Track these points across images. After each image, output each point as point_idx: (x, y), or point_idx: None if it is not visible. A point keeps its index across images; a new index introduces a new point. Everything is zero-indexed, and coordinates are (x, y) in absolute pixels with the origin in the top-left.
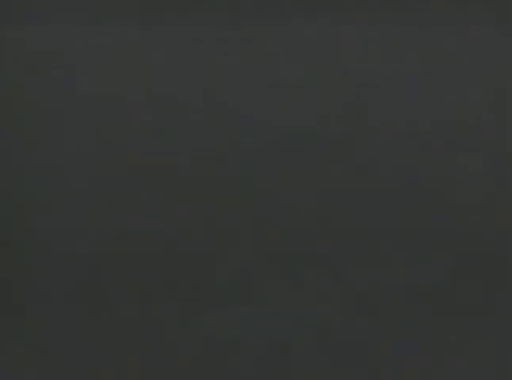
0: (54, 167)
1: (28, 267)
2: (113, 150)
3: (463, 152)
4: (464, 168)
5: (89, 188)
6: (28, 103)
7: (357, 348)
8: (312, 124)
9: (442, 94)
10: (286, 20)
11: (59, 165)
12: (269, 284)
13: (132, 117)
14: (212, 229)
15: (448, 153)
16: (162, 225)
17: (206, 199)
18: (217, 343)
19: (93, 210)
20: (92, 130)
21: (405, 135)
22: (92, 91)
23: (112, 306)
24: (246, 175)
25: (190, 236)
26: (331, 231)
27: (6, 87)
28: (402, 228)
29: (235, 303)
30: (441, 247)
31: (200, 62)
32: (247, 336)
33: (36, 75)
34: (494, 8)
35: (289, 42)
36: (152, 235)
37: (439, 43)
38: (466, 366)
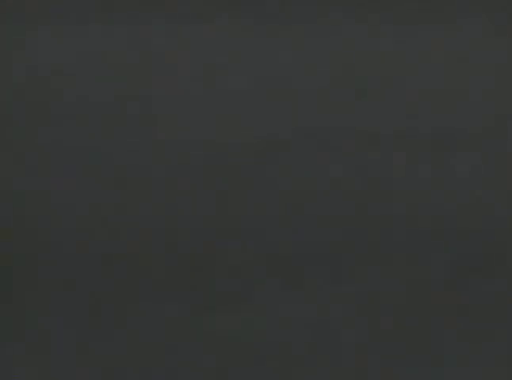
0: (55, 166)
1: (27, 266)
2: (115, 147)
3: (462, 152)
4: (464, 168)
5: (89, 188)
6: (29, 104)
7: (358, 348)
8: (314, 123)
9: (440, 95)
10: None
11: (60, 164)
12: (270, 284)
13: (138, 114)
14: (212, 229)
15: (447, 153)
16: (162, 224)
17: (206, 197)
18: (217, 343)
19: (93, 210)
20: (89, 130)
21: (404, 136)
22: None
23: (112, 306)
24: (246, 174)
25: (190, 235)
26: (331, 231)
27: (6, 87)
28: (402, 228)
29: (235, 303)
30: (441, 247)
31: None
32: (247, 336)
33: (38, 75)
34: (492, 7)
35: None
36: (152, 235)
37: (437, 43)
38: (466, 367)
